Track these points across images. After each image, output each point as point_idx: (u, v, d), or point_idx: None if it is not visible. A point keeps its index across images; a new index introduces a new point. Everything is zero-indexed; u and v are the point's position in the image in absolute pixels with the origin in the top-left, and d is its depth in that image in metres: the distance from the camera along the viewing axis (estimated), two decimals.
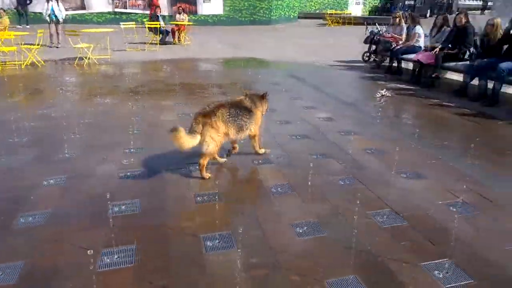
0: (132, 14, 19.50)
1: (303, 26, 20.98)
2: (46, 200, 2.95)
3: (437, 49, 6.46)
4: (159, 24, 12.19)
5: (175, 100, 5.86)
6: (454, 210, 2.78)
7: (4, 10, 13.40)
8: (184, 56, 10.47)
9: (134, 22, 12.64)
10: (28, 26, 15.80)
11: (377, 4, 25.77)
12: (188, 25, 13.63)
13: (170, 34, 12.94)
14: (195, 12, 20.00)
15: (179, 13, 13.71)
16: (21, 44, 8.68)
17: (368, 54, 9.15)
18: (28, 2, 16.94)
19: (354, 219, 2.58)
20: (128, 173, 3.39)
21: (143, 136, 4.33)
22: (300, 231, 2.54)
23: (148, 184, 3.22)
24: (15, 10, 17.35)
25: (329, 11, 23.46)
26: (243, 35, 16.07)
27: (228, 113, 3.25)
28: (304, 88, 6.76)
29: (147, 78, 7.54)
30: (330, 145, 4.07)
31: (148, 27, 12.03)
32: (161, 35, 12.29)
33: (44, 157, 3.75)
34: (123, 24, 11.73)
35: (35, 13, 16.64)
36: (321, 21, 22.91)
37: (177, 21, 13.26)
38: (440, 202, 2.88)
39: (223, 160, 3.59)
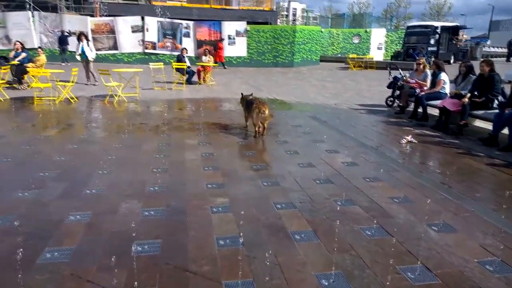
0: (161, 55, 20.44)
1: (325, 69, 21.39)
2: (72, 235, 2.97)
3: (466, 98, 6.35)
4: (186, 65, 12.68)
5: (199, 139, 5.95)
6: (491, 269, 2.61)
7: (42, 49, 14.28)
8: (209, 96, 10.75)
9: (162, 63, 13.20)
10: (69, 64, 16.73)
11: (399, 49, 26.13)
12: (214, 66, 14.13)
13: (196, 74, 13.41)
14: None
15: (205, 55, 14.27)
16: (57, 81, 9.15)
17: (391, 99, 9.15)
18: (68, 42, 18.26)
19: (383, 273, 2.45)
20: (152, 212, 3.40)
21: (167, 174, 4.37)
22: (326, 283, 2.43)
23: (170, 224, 3.20)
24: (58, 49, 18.90)
25: (350, 55, 23.95)
26: (266, 77, 16.47)
27: None
28: (326, 131, 6.76)
29: (172, 117, 7.74)
30: (354, 191, 3.98)
31: (175, 68, 12.52)
32: (187, 75, 12.73)
33: (71, 192, 3.82)
34: (152, 64, 12.26)
35: (72, 52, 17.73)
36: (342, 64, 23.34)
37: (203, 62, 13.79)
38: (475, 260, 2.72)
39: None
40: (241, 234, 3.03)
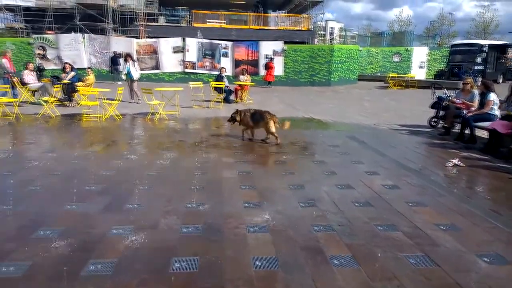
0: (200, 74, 21.07)
1: (363, 88, 21.07)
2: (114, 249, 3.06)
3: None
4: (224, 84, 12.97)
5: (235, 158, 5.99)
6: None
7: (91, 69, 15.17)
8: None
9: (201, 82, 13.59)
10: (120, 82, 17.59)
11: (442, 68, 25.29)
12: (250, 85, 14.36)
13: (233, 93, 13.65)
14: (257, 73, 21.13)
15: (243, 74, 14.55)
16: (104, 99, 9.65)
17: (435, 119, 8.82)
18: (119, 62, 19.43)
19: None
20: (190, 229, 3.43)
21: (205, 191, 4.42)
22: None
23: (207, 242, 3.21)
24: (109, 68, 20.21)
25: (390, 74, 23.47)
26: (302, 96, 16.47)
27: None
28: (365, 152, 6.60)
29: (210, 134, 7.89)
30: (396, 216, 3.82)
31: (214, 87, 12.82)
32: (224, 94, 12.99)
33: (115, 206, 3.96)
34: (192, 83, 12.65)
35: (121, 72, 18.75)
36: (382, 83, 22.90)
37: (240, 81, 14.04)
38: None
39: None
40: (278, 255, 2.99)
